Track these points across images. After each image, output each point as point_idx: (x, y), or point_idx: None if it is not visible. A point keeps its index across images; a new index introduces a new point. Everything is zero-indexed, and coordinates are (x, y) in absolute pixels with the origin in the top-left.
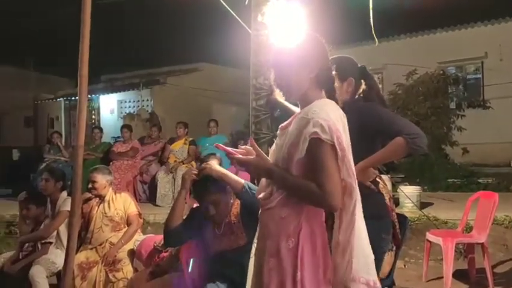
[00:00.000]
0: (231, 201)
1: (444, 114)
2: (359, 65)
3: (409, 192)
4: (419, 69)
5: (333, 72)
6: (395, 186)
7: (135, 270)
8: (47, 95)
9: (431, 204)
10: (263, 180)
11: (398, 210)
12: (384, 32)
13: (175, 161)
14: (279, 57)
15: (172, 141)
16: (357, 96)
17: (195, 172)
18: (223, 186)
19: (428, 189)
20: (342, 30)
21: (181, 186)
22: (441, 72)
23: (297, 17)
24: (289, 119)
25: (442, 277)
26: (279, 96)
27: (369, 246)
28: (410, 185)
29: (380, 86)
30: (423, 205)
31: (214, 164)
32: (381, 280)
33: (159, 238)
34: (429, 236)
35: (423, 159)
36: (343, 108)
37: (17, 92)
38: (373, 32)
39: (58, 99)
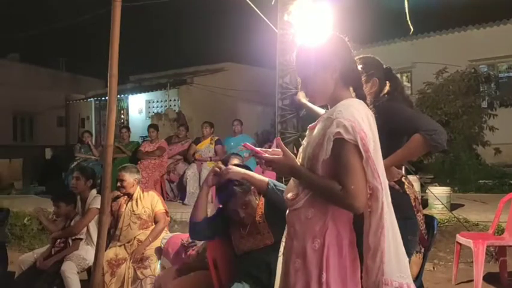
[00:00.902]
0: (257, 201)
1: (476, 113)
2: (385, 66)
3: (439, 193)
4: (449, 67)
5: (360, 69)
6: (424, 187)
7: (162, 267)
8: (78, 95)
9: (461, 205)
10: (291, 181)
11: (427, 211)
12: (414, 29)
13: (200, 160)
14: (300, 58)
15: (197, 141)
16: (381, 96)
17: (219, 167)
18: (249, 187)
19: (458, 190)
20: (370, 29)
21: (204, 182)
22: (472, 70)
23: (323, 16)
24: (317, 119)
25: (472, 280)
26: (302, 97)
27: (403, 248)
28: (440, 185)
29: (409, 84)
30: (453, 206)
31: (234, 167)
32: None
33: (186, 236)
34: (460, 238)
35: (453, 159)
36: (370, 108)
37: (49, 93)
38: (410, 25)
39: (89, 100)
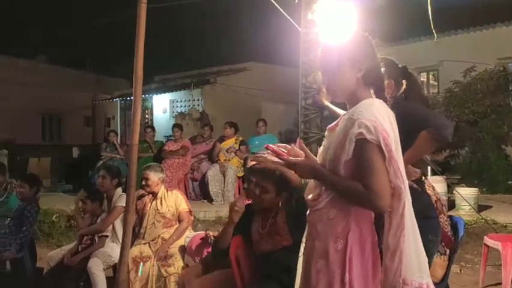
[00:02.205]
0: (279, 204)
1: (505, 112)
2: (400, 65)
3: (466, 194)
4: (477, 65)
5: (383, 70)
6: (451, 187)
7: (186, 265)
8: (104, 96)
9: (489, 207)
10: (312, 182)
11: (454, 212)
12: (441, 27)
13: (225, 159)
14: (324, 57)
15: (221, 139)
16: (397, 95)
17: (241, 208)
18: (277, 178)
19: (486, 191)
20: (396, 26)
21: (229, 220)
22: (501, 68)
23: (347, 14)
24: (337, 120)
25: (500, 283)
26: (324, 97)
27: (423, 249)
28: (467, 186)
29: (436, 83)
30: (481, 208)
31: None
32: (435, 285)
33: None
34: (487, 240)
35: (481, 159)
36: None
37: (77, 93)
38: (431, 25)
39: (114, 100)
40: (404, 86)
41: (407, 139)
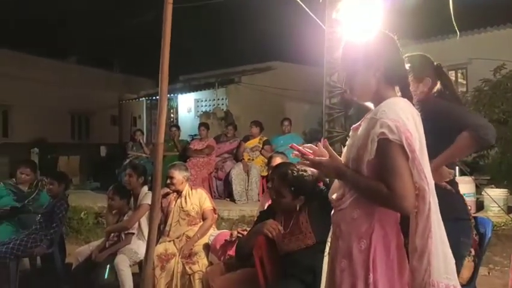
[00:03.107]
0: (297, 207)
1: None
2: (435, 63)
3: (495, 196)
4: (507, 63)
5: (408, 68)
6: (479, 188)
7: (210, 263)
8: (131, 95)
9: None
10: (336, 181)
11: (482, 214)
12: (469, 24)
13: (249, 159)
14: (345, 55)
15: (246, 139)
16: (431, 94)
17: (275, 229)
18: (297, 185)
19: None
20: (423, 24)
21: (257, 229)
22: None
23: (373, 13)
24: (361, 120)
25: None
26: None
27: (450, 250)
28: (497, 187)
29: (464, 82)
30: (510, 209)
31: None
32: (462, 286)
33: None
34: None
35: (511, 160)
36: (417, 108)
37: (104, 93)
38: (453, 22)
39: (140, 99)
40: (438, 86)
41: (440, 139)
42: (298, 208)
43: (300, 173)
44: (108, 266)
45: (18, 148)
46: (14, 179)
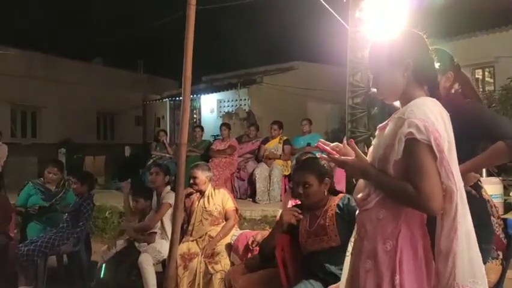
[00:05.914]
0: (326, 194)
1: None
2: (455, 62)
3: None
4: None
5: (437, 67)
6: (507, 189)
7: (232, 263)
8: (155, 96)
9: None
10: (361, 181)
11: (511, 215)
12: (496, 22)
13: (271, 158)
14: (372, 54)
15: (266, 140)
16: (453, 91)
17: (295, 215)
18: (324, 172)
19: None
20: (449, 22)
21: (278, 224)
22: None
23: (398, 10)
24: (387, 120)
25: None
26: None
27: (479, 253)
28: None
29: (491, 80)
30: None
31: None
32: None
33: (255, 233)
34: None
35: None
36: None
37: (128, 94)
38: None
39: (164, 100)
40: (456, 85)
41: (464, 142)
42: (326, 193)
43: (315, 158)
44: (104, 265)
45: (46, 148)
46: (42, 179)
